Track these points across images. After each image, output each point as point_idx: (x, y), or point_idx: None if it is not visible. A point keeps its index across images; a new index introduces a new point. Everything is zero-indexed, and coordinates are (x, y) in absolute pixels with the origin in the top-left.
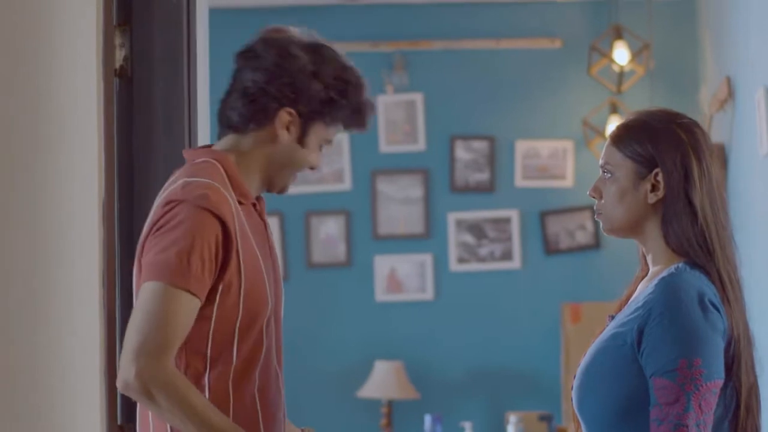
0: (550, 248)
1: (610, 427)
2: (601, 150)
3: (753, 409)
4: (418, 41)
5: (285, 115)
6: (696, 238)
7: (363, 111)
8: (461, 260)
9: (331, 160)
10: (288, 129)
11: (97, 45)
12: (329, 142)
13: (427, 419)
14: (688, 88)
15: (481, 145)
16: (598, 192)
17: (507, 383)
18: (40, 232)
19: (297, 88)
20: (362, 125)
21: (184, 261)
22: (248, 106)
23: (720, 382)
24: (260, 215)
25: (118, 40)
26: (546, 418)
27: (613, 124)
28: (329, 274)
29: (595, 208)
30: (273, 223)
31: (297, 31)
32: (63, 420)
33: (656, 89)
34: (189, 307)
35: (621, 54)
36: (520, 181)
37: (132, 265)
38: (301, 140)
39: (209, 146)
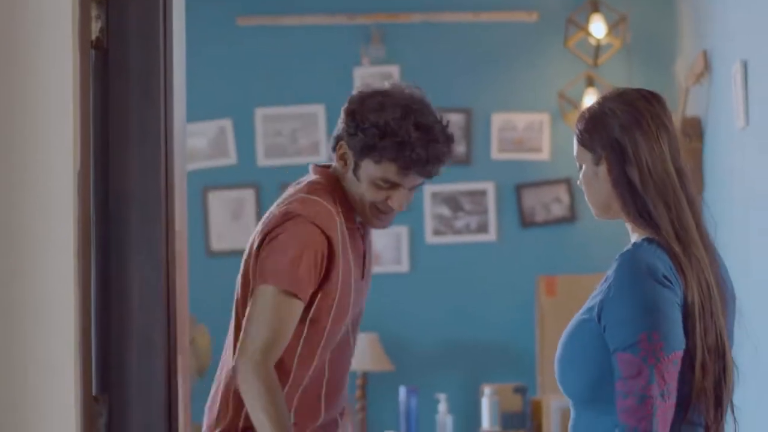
0: (526, 221)
1: (587, 397)
2: None
3: (711, 370)
4: (396, 14)
5: (339, 148)
6: (638, 205)
7: (398, 156)
8: (437, 232)
9: (308, 131)
10: (344, 161)
11: (73, 17)
12: (386, 180)
13: (402, 391)
14: (665, 62)
15: (457, 118)
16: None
17: (482, 355)
18: (14, 205)
19: (346, 126)
20: (405, 167)
21: (294, 269)
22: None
23: (680, 352)
24: (362, 238)
25: (94, 12)
26: (521, 390)
27: (589, 96)
28: None
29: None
30: (249, 196)
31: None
32: (35, 389)
33: (633, 62)
34: (295, 309)
35: (597, 27)
36: (496, 154)
37: (106, 235)
38: (356, 173)
39: (329, 166)
